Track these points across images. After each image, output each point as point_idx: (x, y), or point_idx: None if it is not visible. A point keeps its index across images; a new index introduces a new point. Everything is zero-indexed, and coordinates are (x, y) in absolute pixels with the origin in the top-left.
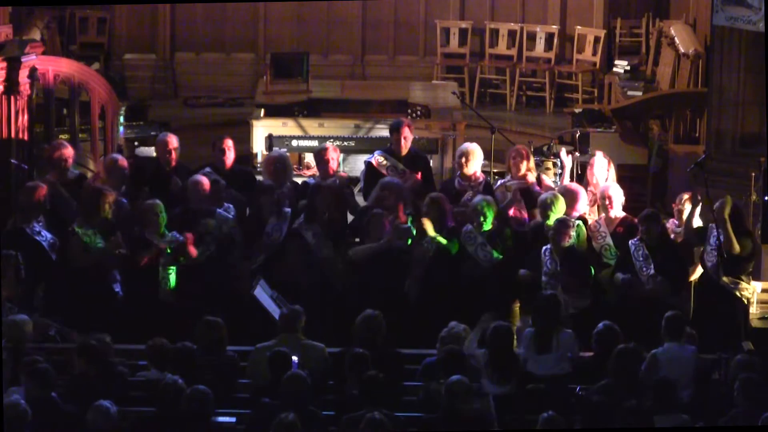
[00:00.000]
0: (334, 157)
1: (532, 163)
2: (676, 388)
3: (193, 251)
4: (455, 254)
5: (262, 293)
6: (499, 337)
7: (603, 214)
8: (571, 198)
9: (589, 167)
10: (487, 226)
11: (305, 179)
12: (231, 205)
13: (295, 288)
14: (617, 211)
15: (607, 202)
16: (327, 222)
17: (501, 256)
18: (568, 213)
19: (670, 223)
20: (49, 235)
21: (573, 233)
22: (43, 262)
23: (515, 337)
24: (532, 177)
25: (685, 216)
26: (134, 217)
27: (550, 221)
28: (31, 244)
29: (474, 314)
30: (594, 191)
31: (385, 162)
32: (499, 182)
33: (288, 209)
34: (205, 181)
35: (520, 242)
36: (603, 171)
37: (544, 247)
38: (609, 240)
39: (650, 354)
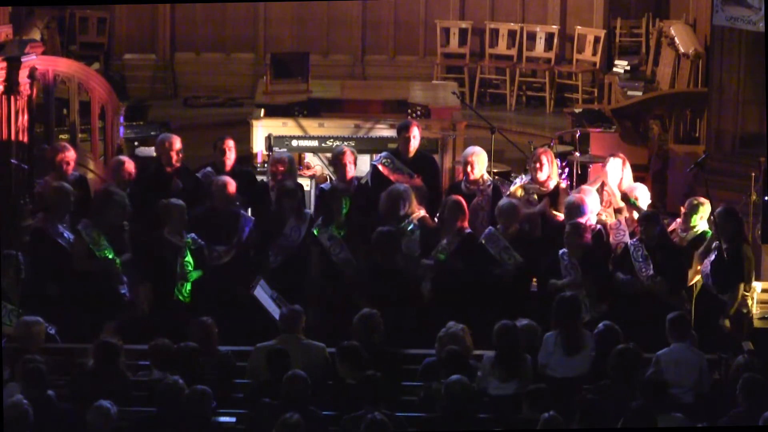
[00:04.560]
0: (351, 160)
1: (554, 169)
2: (666, 388)
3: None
4: (474, 257)
5: (262, 293)
6: (505, 335)
7: (626, 214)
8: None
9: (602, 167)
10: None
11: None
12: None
13: (313, 291)
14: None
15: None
16: (345, 224)
17: (522, 260)
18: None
19: (676, 224)
20: (72, 236)
21: (588, 236)
22: (61, 263)
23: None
24: (552, 183)
25: (691, 222)
26: (145, 217)
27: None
28: (50, 245)
29: (491, 316)
30: (609, 192)
31: (390, 165)
32: (516, 181)
33: (308, 211)
34: (231, 183)
35: (538, 247)
36: (617, 172)
37: (561, 251)
38: (627, 239)
39: (655, 355)
